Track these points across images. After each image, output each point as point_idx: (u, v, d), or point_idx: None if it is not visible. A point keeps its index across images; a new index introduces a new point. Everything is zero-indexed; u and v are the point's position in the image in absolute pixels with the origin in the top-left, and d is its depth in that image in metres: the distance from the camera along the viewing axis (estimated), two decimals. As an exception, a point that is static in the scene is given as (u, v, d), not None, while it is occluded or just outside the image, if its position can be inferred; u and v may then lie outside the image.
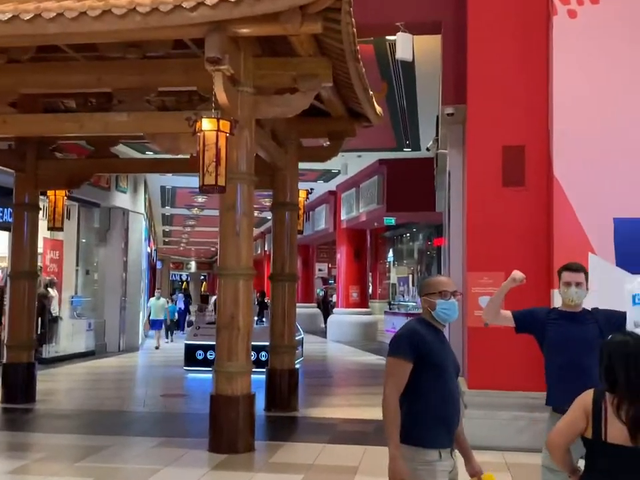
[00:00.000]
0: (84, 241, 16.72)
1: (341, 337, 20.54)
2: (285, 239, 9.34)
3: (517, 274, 3.90)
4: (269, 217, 11.00)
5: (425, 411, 3.15)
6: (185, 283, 52.24)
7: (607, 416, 2.56)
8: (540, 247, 6.98)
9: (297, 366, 10.00)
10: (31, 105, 8.47)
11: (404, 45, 8.00)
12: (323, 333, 22.41)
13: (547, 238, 6.96)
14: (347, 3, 6.09)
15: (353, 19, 6.38)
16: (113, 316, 16.78)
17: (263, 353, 11.28)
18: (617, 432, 2.53)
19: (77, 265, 16.45)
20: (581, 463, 2.89)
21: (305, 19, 5.99)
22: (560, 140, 6.83)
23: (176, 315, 23.34)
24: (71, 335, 15.33)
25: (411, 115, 13.22)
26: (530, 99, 7.12)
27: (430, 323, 3.30)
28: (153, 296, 20.24)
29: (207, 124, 6.30)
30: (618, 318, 3.77)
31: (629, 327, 3.67)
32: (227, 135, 6.38)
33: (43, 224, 10.53)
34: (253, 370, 7.12)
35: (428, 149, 11.88)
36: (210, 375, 7.34)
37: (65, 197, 10.49)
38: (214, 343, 7.14)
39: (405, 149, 16.03)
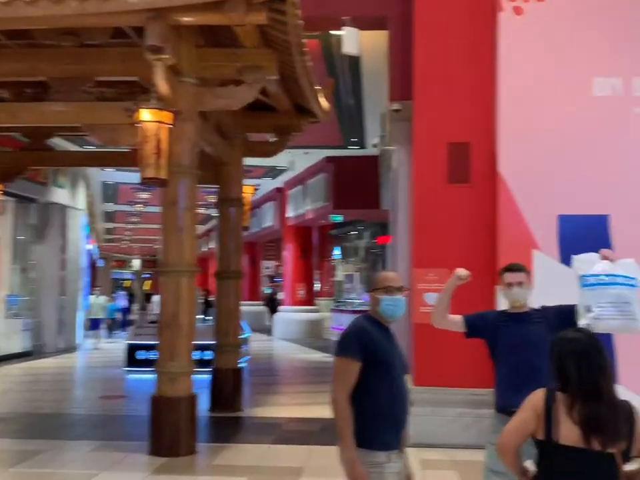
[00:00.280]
0: (20, 238, 16.12)
1: (287, 335, 20.45)
2: (231, 236, 9.16)
3: (461, 271, 3.82)
4: (215, 214, 10.80)
5: (374, 411, 3.05)
6: (128, 281, 51.22)
7: (559, 416, 2.47)
8: (485, 243, 7.00)
9: (243, 365, 9.83)
10: (-41, 95, 8.06)
11: (350, 39, 7.93)
12: (269, 331, 22.25)
13: (492, 235, 6.98)
14: (293, -7, 5.96)
15: (299, 11, 6.25)
16: (51, 315, 16.24)
17: (208, 352, 11.06)
18: (568, 433, 2.44)
19: (13, 263, 15.86)
20: (528, 464, 2.83)
21: (249, 9, 5.83)
22: (505, 137, 6.85)
23: (116, 314, 22.80)
24: (6, 335, 14.77)
25: (357, 112, 13.18)
26: (476, 96, 7.13)
27: (377, 319, 3.20)
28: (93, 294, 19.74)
29: (146, 115, 6.09)
30: (567, 312, 3.71)
31: (580, 312, 3.59)
32: (169, 126, 6.17)
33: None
34: (198, 370, 6.95)
35: (374, 146, 11.84)
36: (152, 376, 7.11)
37: (-1, 192, 10.05)
38: (156, 342, 6.93)
39: (351, 147, 16.00)
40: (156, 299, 24.36)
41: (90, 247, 22.15)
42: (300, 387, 11.77)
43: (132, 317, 25.72)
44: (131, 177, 16.25)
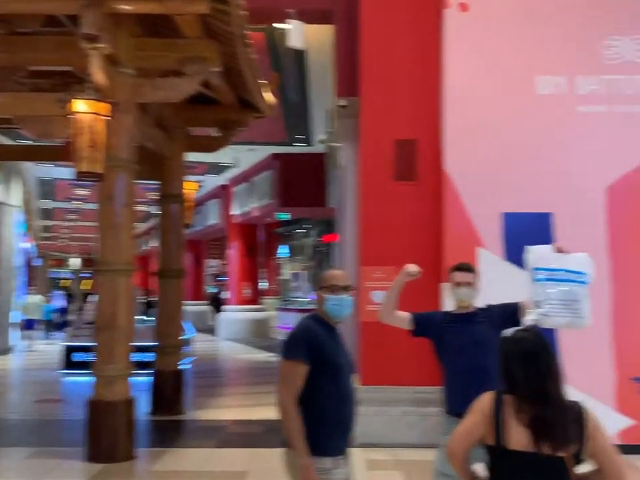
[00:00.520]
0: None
1: (232, 335, 20.18)
2: (172, 233, 8.91)
3: (411, 267, 3.74)
4: (157, 212, 10.48)
5: (321, 415, 2.92)
6: (66, 280, 49.88)
7: (508, 420, 2.37)
8: (431, 241, 6.96)
9: (185, 366, 9.58)
10: None
11: (295, 33, 7.78)
12: (214, 331, 21.93)
13: (438, 232, 6.94)
14: (236, -17, 5.78)
15: (242, 1, 6.08)
16: (-18, 316, 15.59)
17: (149, 354, 10.74)
18: (518, 437, 2.35)
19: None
20: (479, 468, 2.74)
21: (190, -2, 5.63)
22: (450, 134, 6.82)
23: (53, 314, 22.09)
24: None
25: (303, 108, 13.04)
26: (422, 93, 7.08)
27: (324, 319, 3.06)
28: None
29: (81, 106, 5.82)
30: (511, 311, 3.67)
31: (531, 307, 3.55)
32: (105, 118, 5.91)
33: None
34: (138, 372, 6.71)
35: (321, 142, 11.72)
36: (89, 379, 6.84)
37: None
38: (94, 344, 6.65)
39: (297, 144, 15.86)
40: (94, 298, 23.71)
41: (26, 245, 21.40)
42: (244, 388, 11.59)
43: (70, 317, 24.95)
44: (68, 172, 15.71)
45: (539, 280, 3.46)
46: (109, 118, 6.04)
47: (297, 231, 22.63)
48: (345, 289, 3.07)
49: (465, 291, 3.71)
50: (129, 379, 6.60)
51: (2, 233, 16.35)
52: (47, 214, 27.38)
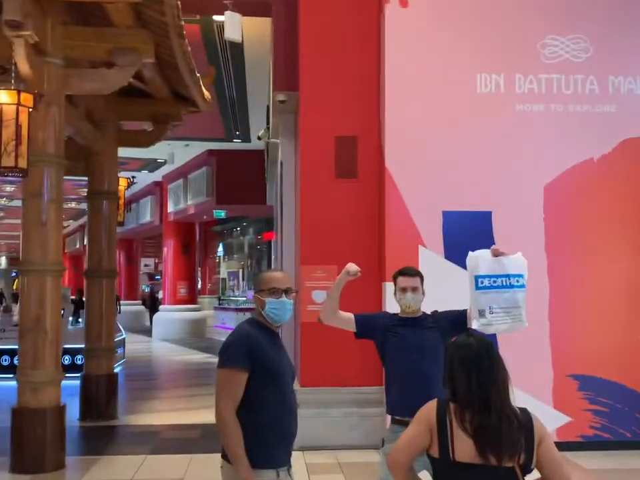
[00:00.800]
0: None
1: (168, 335, 19.73)
2: (103, 231, 8.55)
3: (352, 267, 3.61)
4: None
5: (262, 426, 2.74)
6: (-6, 280, 47.98)
7: (453, 430, 2.26)
8: (372, 239, 6.88)
9: (117, 369, 9.22)
10: None
11: (232, 25, 7.55)
12: (149, 332, 21.40)
13: (380, 230, 6.87)
14: (170, -30, 5.54)
15: (177, -11, 5.83)
16: None
17: (79, 357, 10.34)
18: (464, 447, 2.23)
19: None
20: (424, 477, 2.63)
21: (121, -16, 5.35)
22: (391, 131, 6.75)
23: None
24: None
25: (240, 103, 12.80)
26: (363, 88, 6.98)
27: (263, 324, 2.89)
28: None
29: (4, 96, 5.47)
30: (458, 317, 3.59)
31: (473, 315, 3.49)
32: (30, 110, 5.58)
33: None
34: (68, 375, 6.40)
35: (259, 138, 11.51)
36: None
37: None
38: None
39: (234, 140, 15.59)
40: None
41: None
42: (180, 391, 11.27)
43: (-3, 318, 23.93)
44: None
45: (480, 288, 3.44)
46: (35, 110, 5.70)
47: (235, 229, 22.34)
48: (286, 291, 2.91)
49: (411, 296, 3.60)
50: (59, 384, 6.28)
51: None
52: (-29, 211, 26.20)
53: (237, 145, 15.97)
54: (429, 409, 2.34)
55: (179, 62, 7.11)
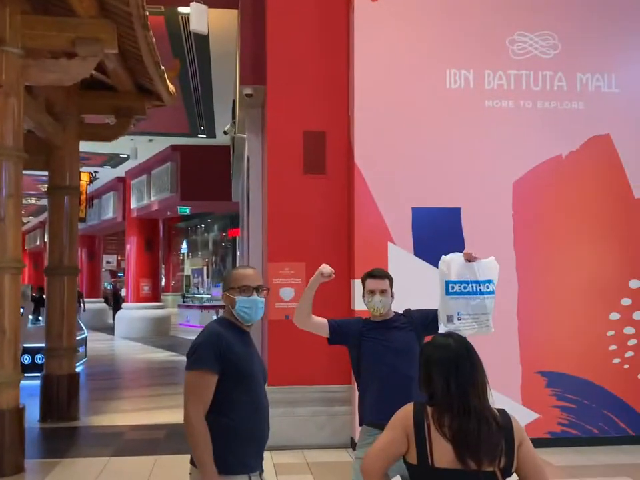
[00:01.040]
0: None
1: (130, 333, 19.42)
2: (64, 227, 8.33)
3: (326, 268, 3.51)
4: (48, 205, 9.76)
5: (232, 430, 2.63)
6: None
7: (431, 434, 2.17)
8: (341, 235, 6.80)
9: (79, 369, 9.00)
10: None
11: (198, 16, 7.39)
12: (111, 330, 21.03)
13: (349, 227, 6.79)
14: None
15: (140, -22, 5.66)
16: None
17: (39, 356, 10.08)
18: (443, 452, 2.15)
19: None
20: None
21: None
22: (360, 127, 6.67)
23: None
24: None
25: (205, 97, 12.59)
26: (332, 83, 6.88)
27: (234, 323, 2.78)
28: None
29: (-41, 86, 5.23)
30: (432, 317, 3.52)
31: (441, 319, 3.44)
32: (-14, 101, 5.36)
33: None
34: (28, 375, 6.18)
35: (225, 133, 11.34)
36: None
37: None
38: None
39: (199, 135, 15.37)
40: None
41: None
42: (144, 391, 11.06)
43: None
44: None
45: (450, 294, 3.40)
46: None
47: (199, 225, 22.08)
48: (257, 289, 2.80)
49: (379, 299, 3.50)
50: (18, 385, 6.08)
51: None
52: None
53: (201, 140, 15.75)
54: (405, 412, 2.25)
55: (143, 54, 6.94)
